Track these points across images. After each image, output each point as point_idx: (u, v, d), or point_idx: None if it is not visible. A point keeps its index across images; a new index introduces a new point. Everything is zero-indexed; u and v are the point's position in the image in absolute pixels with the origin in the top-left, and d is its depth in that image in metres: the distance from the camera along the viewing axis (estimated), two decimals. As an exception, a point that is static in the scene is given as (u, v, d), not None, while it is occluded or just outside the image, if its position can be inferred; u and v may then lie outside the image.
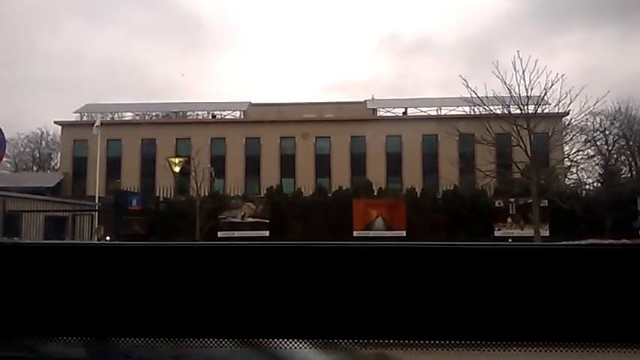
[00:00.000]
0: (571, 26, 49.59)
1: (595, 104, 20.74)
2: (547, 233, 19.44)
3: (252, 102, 37.31)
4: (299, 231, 20.11)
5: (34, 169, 44.10)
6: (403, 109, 36.92)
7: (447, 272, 0.79)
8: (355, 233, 20.09)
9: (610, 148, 34.81)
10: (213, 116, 37.78)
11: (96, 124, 28.73)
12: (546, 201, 20.10)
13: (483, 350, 0.77)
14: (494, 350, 0.77)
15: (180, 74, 54.64)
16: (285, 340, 0.78)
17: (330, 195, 24.33)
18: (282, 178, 32.26)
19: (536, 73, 20.33)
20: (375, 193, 24.01)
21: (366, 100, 37.01)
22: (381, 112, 37.35)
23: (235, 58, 54.48)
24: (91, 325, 0.79)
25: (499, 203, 21.29)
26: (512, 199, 21.11)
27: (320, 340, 0.78)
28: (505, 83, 20.56)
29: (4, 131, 10.62)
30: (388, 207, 21.44)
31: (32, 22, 49.17)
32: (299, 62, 56.20)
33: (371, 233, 19.96)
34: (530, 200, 19.87)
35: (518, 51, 21.07)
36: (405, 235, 19.44)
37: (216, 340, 0.78)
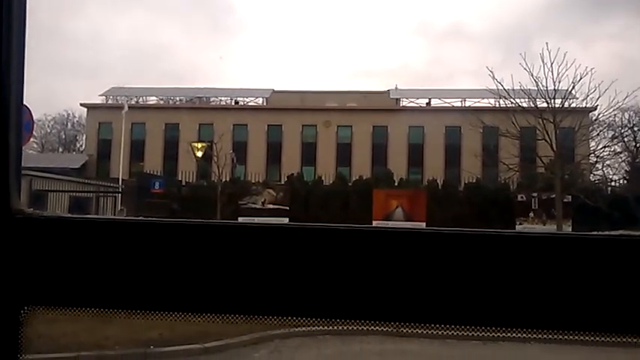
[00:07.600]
0: (613, 13, 47.58)
1: (624, 99, 20.33)
2: (570, 229, 19.18)
3: (275, 89, 37.38)
4: (318, 219, 20.17)
5: (60, 150, 44.92)
6: (427, 100, 36.62)
7: (467, 258, 0.78)
8: (374, 223, 20.05)
9: (638, 145, 34.06)
10: (236, 102, 37.95)
11: (124, 109, 29.17)
12: (570, 197, 19.81)
13: (501, 335, 0.76)
14: (511, 337, 0.76)
15: (219, 57, 54.61)
16: (298, 318, 0.78)
17: (350, 184, 24.33)
18: (303, 166, 32.35)
19: (565, 65, 20.00)
20: (396, 184, 23.95)
21: (389, 90, 36.79)
22: (404, 103, 37.10)
23: (260, 43, 54.30)
24: (119, 296, 0.81)
25: (522, 197, 21.04)
26: (535, 194, 20.84)
27: (333, 320, 0.78)
28: (532, 75, 20.26)
29: (32, 112, 10.79)
30: (408, 198, 21.36)
31: (58, 3, 49.68)
32: (326, 48, 55.61)
33: (390, 224, 19.90)
34: (554, 195, 19.60)
35: (547, 43, 20.79)
36: (424, 226, 19.36)
37: (230, 315, 0.79)
